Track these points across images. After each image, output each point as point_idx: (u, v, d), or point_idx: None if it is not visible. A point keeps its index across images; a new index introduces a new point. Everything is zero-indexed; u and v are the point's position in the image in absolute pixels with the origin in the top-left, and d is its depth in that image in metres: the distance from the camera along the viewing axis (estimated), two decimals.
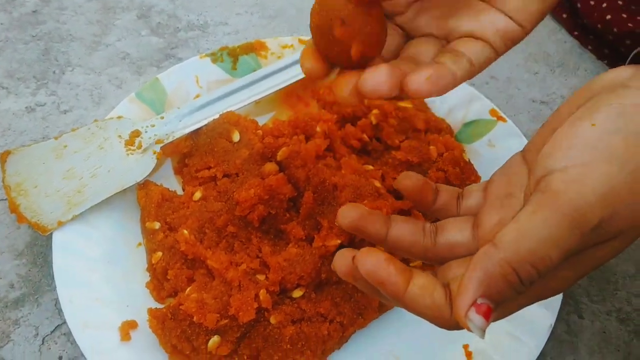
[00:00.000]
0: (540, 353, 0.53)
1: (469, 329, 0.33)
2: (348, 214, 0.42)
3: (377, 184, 0.58)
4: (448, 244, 0.41)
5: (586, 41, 0.81)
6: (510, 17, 0.42)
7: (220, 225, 0.56)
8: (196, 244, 0.55)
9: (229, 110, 0.64)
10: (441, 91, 0.39)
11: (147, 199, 0.59)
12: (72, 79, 0.75)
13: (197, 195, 0.59)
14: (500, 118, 0.67)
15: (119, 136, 0.62)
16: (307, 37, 0.71)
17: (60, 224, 0.57)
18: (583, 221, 0.33)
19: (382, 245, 0.42)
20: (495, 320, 0.34)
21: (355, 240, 0.55)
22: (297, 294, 0.54)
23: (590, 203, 0.33)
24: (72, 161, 0.60)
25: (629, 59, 0.71)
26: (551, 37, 0.82)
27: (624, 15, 0.75)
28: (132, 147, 0.62)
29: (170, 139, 0.63)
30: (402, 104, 0.64)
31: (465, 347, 0.54)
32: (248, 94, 0.67)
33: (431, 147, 0.61)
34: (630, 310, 0.60)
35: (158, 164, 0.62)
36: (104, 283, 0.56)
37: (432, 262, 0.42)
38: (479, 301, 0.32)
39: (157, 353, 0.53)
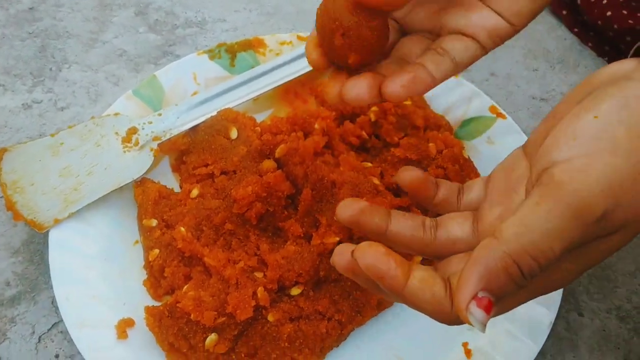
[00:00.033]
0: (540, 351, 0.53)
1: (469, 323, 0.32)
2: (347, 209, 0.41)
3: (376, 181, 0.57)
4: (448, 239, 0.41)
5: (586, 38, 0.80)
6: (501, 15, 0.44)
7: (218, 222, 0.56)
8: (193, 241, 0.55)
9: (226, 107, 0.64)
10: (417, 94, 0.43)
11: (144, 196, 0.59)
12: (69, 76, 0.74)
13: (195, 192, 0.59)
14: (499, 115, 0.66)
15: (116, 133, 0.62)
16: (306, 34, 0.71)
17: (57, 222, 0.57)
18: (586, 213, 0.32)
19: (381, 240, 0.41)
20: (496, 314, 0.34)
21: (353, 237, 0.54)
22: (295, 291, 0.54)
23: (594, 194, 0.32)
24: (68, 158, 0.60)
25: (630, 53, 0.71)
26: (551, 33, 0.82)
27: (625, 12, 0.75)
28: (129, 145, 0.61)
29: (168, 136, 0.62)
30: None
31: (465, 345, 0.54)
32: (246, 91, 0.66)
33: (430, 144, 0.61)
34: (630, 308, 0.59)
35: (155, 161, 0.62)
36: (100, 281, 0.56)
37: (432, 257, 0.42)
38: (480, 295, 0.32)
39: (154, 351, 0.52)
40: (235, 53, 0.70)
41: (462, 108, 0.68)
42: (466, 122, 0.67)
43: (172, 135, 0.62)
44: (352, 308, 0.54)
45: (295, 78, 0.68)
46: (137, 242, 0.59)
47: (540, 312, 0.54)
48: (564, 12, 0.82)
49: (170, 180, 0.63)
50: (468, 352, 0.54)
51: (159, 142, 0.62)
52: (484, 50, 0.45)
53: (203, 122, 0.63)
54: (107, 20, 0.80)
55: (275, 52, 0.71)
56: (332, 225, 0.54)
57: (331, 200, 0.56)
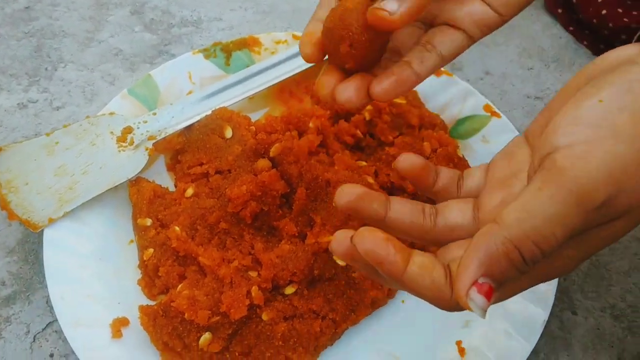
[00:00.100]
0: (534, 350, 0.53)
1: (469, 309, 0.32)
2: (346, 194, 0.40)
3: (370, 180, 0.58)
4: (448, 226, 0.41)
5: (581, 36, 0.80)
6: (490, 5, 0.46)
7: (212, 221, 0.56)
8: (188, 240, 0.55)
9: (221, 106, 0.64)
10: (403, 94, 0.47)
11: (139, 195, 0.59)
12: (65, 76, 0.74)
13: (189, 191, 0.59)
14: (494, 114, 0.67)
15: (111, 132, 0.62)
16: (301, 32, 0.71)
17: (52, 221, 0.57)
18: (588, 199, 0.32)
19: (380, 226, 0.41)
20: (497, 301, 0.34)
21: None
22: (289, 290, 0.54)
23: (595, 180, 0.32)
24: (63, 158, 0.60)
25: (634, 38, 0.71)
26: (546, 32, 0.82)
27: (620, 10, 0.75)
28: (124, 144, 0.61)
29: (163, 136, 0.62)
30: (396, 100, 0.64)
31: (459, 343, 0.54)
32: (241, 90, 0.66)
33: (425, 143, 0.61)
34: (624, 306, 0.59)
35: (150, 161, 0.62)
36: (95, 280, 0.56)
37: (432, 244, 0.42)
38: (481, 280, 0.32)
39: (149, 350, 0.52)
40: (230, 52, 0.70)
41: (457, 107, 0.68)
42: (461, 121, 0.67)
43: (167, 134, 0.62)
44: (346, 307, 0.54)
45: (290, 77, 0.68)
46: (131, 241, 0.59)
47: (533, 311, 0.54)
48: (559, 11, 0.82)
49: (165, 180, 0.63)
50: (462, 351, 0.54)
51: (154, 141, 0.62)
52: (472, 40, 0.47)
53: (198, 121, 0.63)
54: (102, 19, 0.80)
55: (270, 51, 0.71)
56: (326, 224, 0.55)
57: (326, 200, 0.56)
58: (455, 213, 0.41)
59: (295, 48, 0.69)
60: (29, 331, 0.56)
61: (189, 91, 0.68)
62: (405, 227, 0.40)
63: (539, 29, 0.82)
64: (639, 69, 0.35)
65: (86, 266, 0.56)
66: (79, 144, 0.61)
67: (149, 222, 0.58)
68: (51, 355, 0.55)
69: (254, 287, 0.52)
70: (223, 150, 0.60)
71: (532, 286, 0.37)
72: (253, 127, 0.62)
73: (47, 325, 0.56)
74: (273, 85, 0.67)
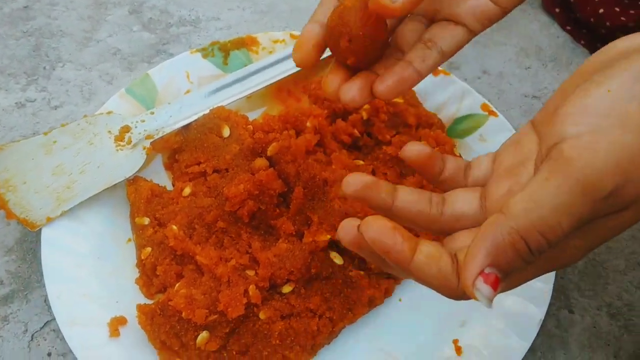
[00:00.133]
0: (530, 348, 0.53)
1: (476, 299, 0.32)
2: (353, 182, 0.40)
3: None
4: (455, 215, 0.40)
5: (579, 36, 0.80)
6: None
7: (210, 220, 0.56)
8: (185, 239, 0.55)
9: (219, 105, 0.64)
10: (405, 92, 0.49)
11: (137, 194, 0.59)
12: (63, 75, 0.74)
13: (187, 190, 0.59)
14: (491, 113, 0.67)
15: (109, 132, 0.62)
16: (299, 32, 0.71)
17: (49, 220, 0.57)
18: (595, 189, 0.32)
19: (387, 215, 0.40)
20: (503, 290, 0.34)
21: None
22: (286, 289, 0.54)
23: (602, 170, 0.32)
24: (61, 157, 0.60)
25: None
26: (543, 31, 0.82)
27: (617, 9, 0.75)
28: (121, 143, 0.61)
29: (160, 135, 0.62)
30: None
31: (455, 342, 0.54)
32: (239, 89, 0.67)
33: (422, 142, 0.61)
34: (620, 305, 0.60)
35: (148, 160, 0.62)
36: (93, 279, 0.56)
37: (438, 233, 0.42)
38: (487, 270, 0.32)
39: (146, 349, 0.52)
40: (228, 51, 0.70)
41: (454, 106, 0.68)
42: (458, 120, 0.67)
43: (165, 133, 0.62)
44: (343, 305, 0.54)
45: (288, 76, 0.68)
46: (129, 240, 0.59)
47: (530, 309, 0.54)
48: (557, 10, 0.82)
49: (163, 179, 0.63)
50: (458, 349, 0.54)
51: (151, 140, 0.62)
52: (473, 34, 0.47)
53: (195, 120, 0.63)
54: (101, 18, 0.81)
55: (268, 50, 0.71)
56: (323, 223, 0.55)
57: (323, 199, 0.56)
58: (462, 202, 0.41)
59: (292, 47, 0.69)
60: (26, 330, 0.56)
61: (187, 90, 0.68)
62: (412, 216, 0.40)
63: (537, 29, 0.82)
64: None
65: (84, 265, 0.56)
66: (76, 143, 0.61)
67: (146, 221, 0.58)
68: (49, 354, 0.55)
69: (251, 286, 0.52)
70: (221, 149, 0.61)
71: (538, 276, 0.37)
72: (250, 126, 0.62)
73: (45, 324, 0.57)
74: (271, 84, 0.67)
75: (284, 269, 0.53)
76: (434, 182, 0.44)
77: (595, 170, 0.32)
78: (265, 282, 0.53)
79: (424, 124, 0.65)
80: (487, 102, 0.67)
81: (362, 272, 0.56)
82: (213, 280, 0.53)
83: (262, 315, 0.52)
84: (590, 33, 0.79)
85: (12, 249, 0.60)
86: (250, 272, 0.54)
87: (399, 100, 0.64)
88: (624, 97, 0.34)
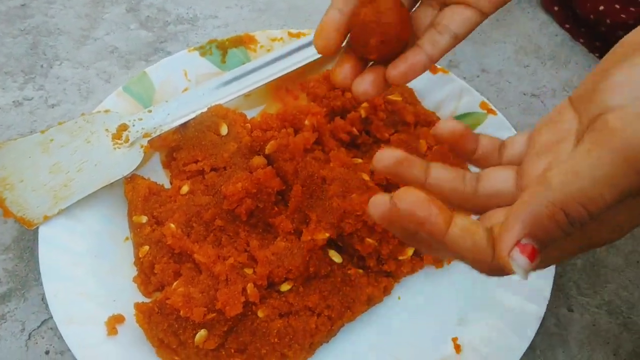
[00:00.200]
0: (530, 346, 0.53)
1: (511, 270, 0.31)
2: (385, 158, 0.39)
3: (366, 177, 0.58)
4: (489, 193, 0.39)
5: (577, 34, 0.80)
6: None
7: (208, 219, 0.56)
8: (183, 237, 0.55)
9: (217, 103, 0.64)
10: (416, 76, 0.48)
11: (134, 192, 0.59)
12: (60, 73, 0.74)
13: (185, 188, 0.59)
14: (490, 111, 0.66)
15: (106, 130, 0.62)
16: (297, 30, 0.71)
17: (47, 219, 0.57)
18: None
19: None
20: (540, 267, 0.33)
21: (344, 233, 0.55)
22: (285, 287, 0.54)
23: None
24: (58, 155, 0.60)
25: None
26: (542, 30, 0.82)
27: (617, 6, 0.75)
28: (119, 141, 0.61)
29: (158, 133, 0.62)
30: (392, 97, 0.64)
31: (454, 340, 0.54)
32: (237, 87, 0.66)
33: (421, 140, 0.61)
34: (620, 303, 0.59)
35: (146, 158, 0.62)
36: (90, 277, 0.56)
37: (473, 212, 0.40)
38: (524, 241, 0.31)
39: (144, 347, 0.52)
40: (226, 49, 0.70)
41: (453, 104, 0.68)
42: (457, 119, 0.67)
43: (163, 131, 0.62)
44: (341, 304, 0.54)
45: (286, 74, 0.68)
46: (127, 238, 0.59)
47: (529, 308, 0.54)
48: (556, 9, 0.82)
49: (160, 177, 0.63)
50: (457, 348, 0.54)
51: (149, 138, 0.62)
52: (484, 15, 0.48)
53: (193, 118, 0.63)
54: (98, 17, 0.80)
55: (266, 49, 0.71)
56: (322, 221, 0.54)
57: (321, 197, 0.56)
58: (496, 180, 0.40)
59: (291, 45, 0.69)
60: (24, 328, 0.56)
61: (185, 88, 0.68)
62: (445, 193, 0.39)
63: (536, 27, 0.82)
64: None
65: (81, 264, 0.56)
66: (74, 141, 0.61)
67: (144, 219, 0.58)
68: (47, 353, 0.55)
69: (249, 284, 0.52)
70: (218, 148, 0.60)
71: (576, 254, 0.36)
72: (248, 125, 0.62)
73: (42, 322, 0.56)
74: (269, 82, 0.67)
75: (282, 267, 0.53)
76: (467, 160, 0.43)
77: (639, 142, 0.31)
78: (263, 281, 0.53)
79: (422, 122, 0.65)
80: (485, 100, 0.67)
81: (360, 271, 0.56)
82: (211, 279, 0.52)
83: (260, 314, 0.52)
84: (589, 31, 0.79)
85: (9, 248, 0.60)
86: (249, 271, 0.53)
87: (397, 98, 0.64)
88: None
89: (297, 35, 0.70)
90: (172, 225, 0.55)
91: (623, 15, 0.74)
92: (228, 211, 0.56)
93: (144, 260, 0.56)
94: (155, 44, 0.78)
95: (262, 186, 0.55)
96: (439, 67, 0.68)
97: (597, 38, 0.78)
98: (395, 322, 0.56)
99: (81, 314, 0.53)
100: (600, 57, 0.77)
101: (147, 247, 0.56)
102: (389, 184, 0.59)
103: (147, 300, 0.55)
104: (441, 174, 0.40)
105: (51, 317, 0.55)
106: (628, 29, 0.74)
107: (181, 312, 0.50)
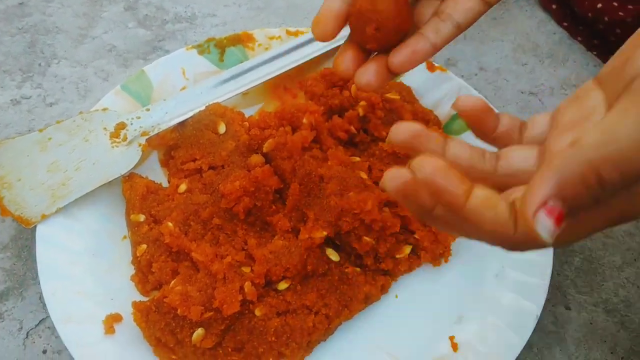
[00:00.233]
0: (527, 344, 0.53)
1: (535, 235, 0.29)
2: (401, 131, 0.37)
3: (364, 175, 0.58)
4: (510, 171, 0.38)
5: (575, 32, 0.80)
6: None
7: (206, 217, 0.56)
8: (181, 236, 0.55)
9: (215, 102, 0.64)
10: (419, 63, 0.47)
11: (132, 191, 0.59)
12: (58, 72, 0.74)
13: (183, 187, 0.59)
14: None
15: (104, 128, 0.62)
16: (295, 28, 0.71)
17: (44, 217, 0.57)
18: None
19: None
20: (566, 240, 0.31)
21: (341, 232, 0.55)
22: (282, 286, 0.54)
23: None
24: (56, 154, 0.60)
25: None
26: (540, 28, 0.82)
27: (615, 4, 0.75)
28: (117, 140, 0.61)
29: (156, 131, 0.62)
30: (390, 95, 0.64)
31: (451, 338, 0.54)
32: (235, 86, 0.66)
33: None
34: (617, 301, 0.59)
35: (144, 157, 0.62)
36: (88, 276, 0.56)
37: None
38: (551, 203, 0.29)
39: (142, 346, 0.52)
40: (224, 48, 0.70)
41: (451, 103, 0.67)
42: (455, 117, 0.67)
43: (161, 130, 0.62)
44: (339, 302, 0.54)
45: (284, 73, 0.68)
46: (125, 237, 0.59)
47: (526, 306, 0.54)
48: (554, 7, 0.82)
49: (158, 175, 0.63)
50: (455, 346, 0.54)
51: (147, 137, 0.62)
52: (488, 5, 0.48)
53: (191, 117, 0.63)
54: (96, 15, 0.80)
55: (264, 47, 0.71)
56: (319, 219, 0.55)
57: (319, 195, 0.56)
58: (517, 158, 0.38)
59: (289, 44, 0.69)
60: (21, 327, 0.56)
61: (183, 87, 0.68)
62: (464, 170, 0.37)
63: (534, 25, 0.82)
64: None
65: (79, 262, 0.56)
66: (72, 140, 0.61)
67: (142, 217, 0.58)
68: (44, 352, 0.55)
69: (246, 283, 0.52)
70: (216, 146, 0.60)
71: (605, 228, 0.34)
72: (246, 123, 0.62)
73: (40, 321, 0.56)
74: (267, 80, 0.67)
75: (280, 265, 0.53)
76: (487, 139, 0.41)
77: None
78: (260, 279, 0.53)
79: (420, 120, 0.64)
80: (483, 98, 0.67)
81: (358, 269, 0.56)
82: (208, 277, 0.52)
83: (257, 312, 0.52)
84: (587, 29, 0.79)
85: (7, 246, 0.60)
86: (246, 269, 0.53)
87: (395, 96, 0.64)
88: None
89: (295, 34, 0.70)
90: (170, 224, 0.55)
91: (621, 13, 0.74)
92: (226, 210, 0.56)
93: (142, 258, 0.56)
94: (154, 43, 0.78)
95: (260, 184, 0.55)
96: (436, 65, 0.68)
97: (595, 36, 0.78)
98: (393, 320, 0.56)
99: (79, 313, 0.53)
100: (599, 55, 0.77)
101: (144, 246, 0.56)
102: None
103: (144, 298, 0.55)
104: (459, 150, 0.38)
105: (49, 316, 0.55)
106: (626, 26, 0.75)
107: (178, 311, 0.50)
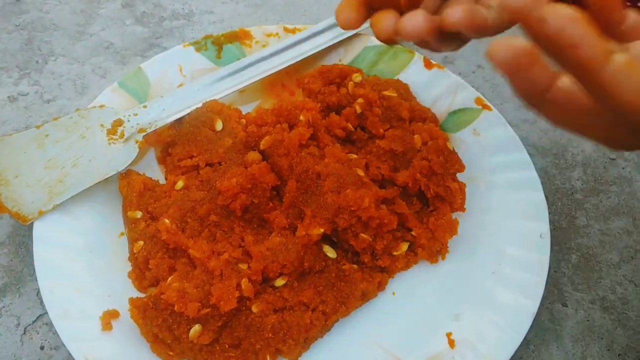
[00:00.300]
0: (524, 341, 0.53)
1: None
2: (502, 48, 0.32)
3: (361, 172, 0.58)
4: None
5: None
6: None
7: (203, 214, 0.56)
8: (178, 233, 0.55)
9: (212, 99, 0.64)
10: (475, 28, 0.39)
11: (129, 188, 0.59)
12: (56, 69, 0.74)
13: (180, 184, 0.59)
14: (485, 107, 0.66)
15: (101, 125, 0.62)
16: (292, 25, 0.71)
17: (42, 214, 0.56)
18: None
19: (542, 101, 0.31)
20: None
21: (338, 229, 0.55)
22: (279, 282, 0.54)
23: None
24: (53, 150, 0.60)
25: None
26: None
27: None
28: (114, 136, 0.61)
29: (153, 128, 0.62)
30: (387, 92, 0.64)
31: (449, 335, 0.54)
32: (232, 83, 0.66)
33: (415, 136, 0.61)
34: (614, 298, 0.60)
35: (141, 153, 0.62)
36: (85, 273, 0.55)
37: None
38: None
39: (139, 342, 0.52)
40: (221, 45, 0.70)
41: (448, 100, 0.68)
42: (452, 114, 0.67)
43: (158, 127, 0.62)
44: (336, 299, 0.54)
45: (281, 70, 0.68)
46: (122, 234, 0.59)
47: (523, 303, 0.54)
48: None
49: (155, 172, 0.63)
50: (452, 342, 0.54)
51: (144, 134, 0.61)
52: None
53: (188, 114, 0.63)
54: (94, 12, 0.80)
55: (261, 44, 0.71)
56: (316, 216, 0.55)
57: (316, 192, 0.56)
58: None
59: (286, 41, 0.69)
60: (19, 323, 0.56)
61: (180, 84, 0.68)
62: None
63: None
64: None
65: (76, 259, 0.56)
66: (69, 136, 0.61)
67: (139, 214, 0.58)
68: (41, 348, 0.55)
69: (243, 280, 0.52)
70: (213, 143, 0.60)
71: None
72: (244, 120, 0.62)
73: (37, 317, 0.56)
74: (264, 77, 0.67)
75: (277, 262, 0.53)
76: (611, 32, 0.35)
77: None
78: (257, 276, 0.53)
79: (417, 117, 0.65)
80: (481, 96, 0.67)
81: (355, 266, 0.56)
82: (205, 274, 0.52)
83: (254, 309, 0.52)
84: None
85: (4, 243, 0.60)
86: (243, 266, 0.53)
87: (393, 94, 0.64)
88: None
89: (293, 31, 0.70)
90: (167, 221, 0.55)
91: None
92: (223, 206, 0.56)
93: (139, 255, 0.56)
94: (151, 40, 0.78)
95: (257, 181, 0.55)
96: (434, 62, 0.68)
97: None
98: (390, 317, 0.56)
99: (76, 310, 0.53)
100: None
101: (141, 243, 0.56)
102: (384, 180, 0.59)
103: (141, 295, 0.55)
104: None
105: (46, 312, 0.55)
106: None
107: (176, 307, 0.50)
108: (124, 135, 0.61)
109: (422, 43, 0.42)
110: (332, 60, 0.70)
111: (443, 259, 0.59)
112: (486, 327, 0.54)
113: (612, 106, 0.28)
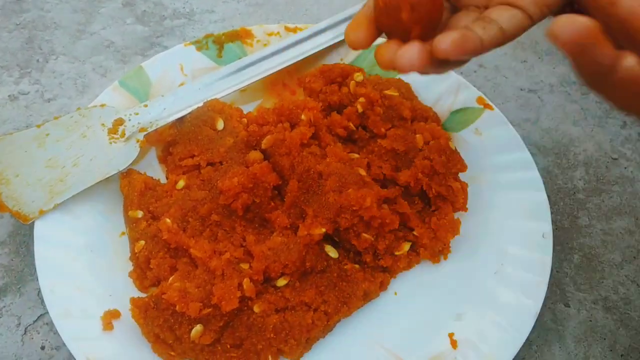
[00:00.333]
0: (526, 341, 0.53)
1: None
2: (567, 25, 0.31)
3: (362, 172, 0.57)
4: None
5: None
6: None
7: (204, 213, 0.56)
8: (179, 232, 0.55)
9: (213, 98, 0.64)
10: (467, 53, 0.40)
11: (130, 187, 0.59)
12: (56, 68, 0.74)
13: (181, 183, 0.59)
14: (487, 106, 0.66)
15: (102, 124, 0.61)
16: (294, 24, 0.71)
17: (42, 213, 0.56)
18: None
19: (607, 79, 0.31)
20: None
21: (340, 229, 0.54)
22: (281, 282, 0.54)
23: None
24: (54, 150, 0.60)
25: None
26: (540, 25, 0.81)
27: None
28: (115, 136, 0.61)
29: (154, 127, 0.62)
30: (389, 92, 0.64)
31: (451, 335, 0.54)
32: (233, 82, 0.66)
33: (417, 135, 0.61)
34: (616, 299, 0.59)
35: (142, 153, 0.62)
36: (86, 272, 0.55)
37: None
38: None
39: (140, 342, 0.52)
40: (222, 44, 0.70)
41: (450, 99, 0.68)
42: (454, 114, 0.67)
43: (159, 126, 0.62)
44: (338, 299, 0.54)
45: (283, 69, 0.67)
46: (123, 233, 0.59)
47: (526, 303, 0.54)
48: None
49: (156, 172, 0.63)
50: (454, 343, 0.54)
51: (145, 133, 0.61)
52: (531, 20, 0.43)
53: (189, 113, 0.63)
54: (94, 11, 0.80)
55: (262, 43, 0.71)
56: (318, 216, 0.54)
57: (318, 192, 0.55)
58: None
59: (287, 40, 0.69)
60: (20, 323, 0.56)
61: (181, 83, 0.67)
62: None
63: None
64: None
65: (77, 259, 0.56)
66: (69, 135, 0.61)
67: (140, 214, 0.57)
68: (42, 348, 0.55)
69: (245, 279, 0.52)
70: (215, 142, 0.60)
71: None
72: (245, 119, 0.62)
73: (38, 317, 0.56)
74: (265, 77, 0.67)
75: (279, 262, 0.53)
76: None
77: None
78: (259, 276, 0.52)
79: (419, 117, 0.64)
80: (482, 95, 0.67)
81: (357, 266, 0.56)
82: (207, 274, 0.52)
83: (256, 309, 0.52)
84: None
85: (4, 242, 0.60)
86: (245, 266, 0.53)
87: (394, 93, 0.64)
88: None
89: (294, 30, 0.70)
90: (168, 220, 0.55)
91: None
92: (224, 206, 0.56)
93: (140, 255, 0.55)
94: (152, 39, 0.77)
95: (259, 181, 0.55)
96: None
97: None
98: (392, 317, 0.56)
99: (77, 309, 0.53)
100: None
101: (142, 242, 0.56)
102: (386, 180, 0.59)
103: (143, 295, 0.55)
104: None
105: (47, 312, 0.55)
106: None
107: (177, 307, 0.50)
108: (125, 134, 0.61)
109: (422, 71, 0.43)
110: (333, 59, 0.70)
111: (445, 258, 0.59)
112: (488, 327, 0.54)
113: None
